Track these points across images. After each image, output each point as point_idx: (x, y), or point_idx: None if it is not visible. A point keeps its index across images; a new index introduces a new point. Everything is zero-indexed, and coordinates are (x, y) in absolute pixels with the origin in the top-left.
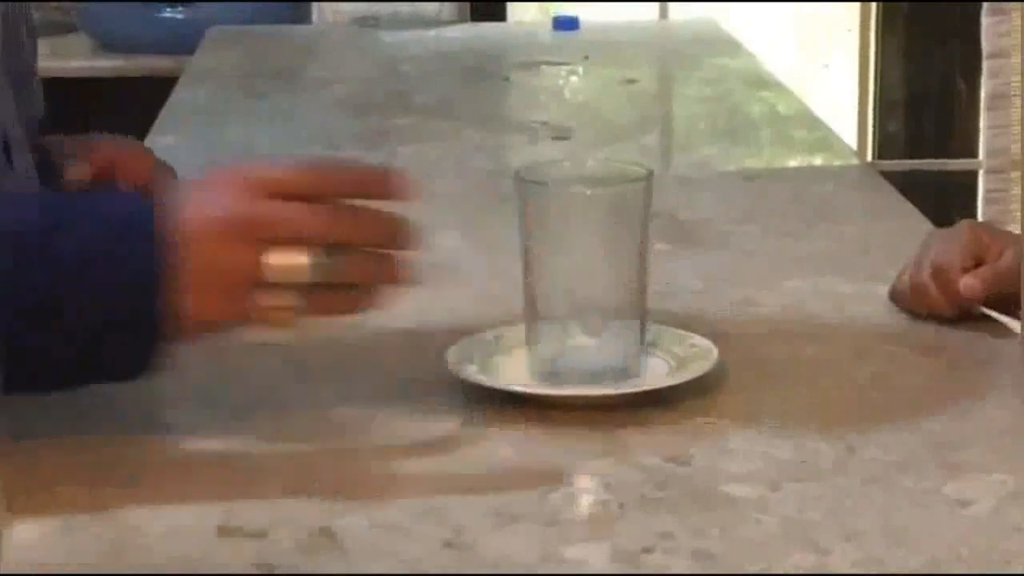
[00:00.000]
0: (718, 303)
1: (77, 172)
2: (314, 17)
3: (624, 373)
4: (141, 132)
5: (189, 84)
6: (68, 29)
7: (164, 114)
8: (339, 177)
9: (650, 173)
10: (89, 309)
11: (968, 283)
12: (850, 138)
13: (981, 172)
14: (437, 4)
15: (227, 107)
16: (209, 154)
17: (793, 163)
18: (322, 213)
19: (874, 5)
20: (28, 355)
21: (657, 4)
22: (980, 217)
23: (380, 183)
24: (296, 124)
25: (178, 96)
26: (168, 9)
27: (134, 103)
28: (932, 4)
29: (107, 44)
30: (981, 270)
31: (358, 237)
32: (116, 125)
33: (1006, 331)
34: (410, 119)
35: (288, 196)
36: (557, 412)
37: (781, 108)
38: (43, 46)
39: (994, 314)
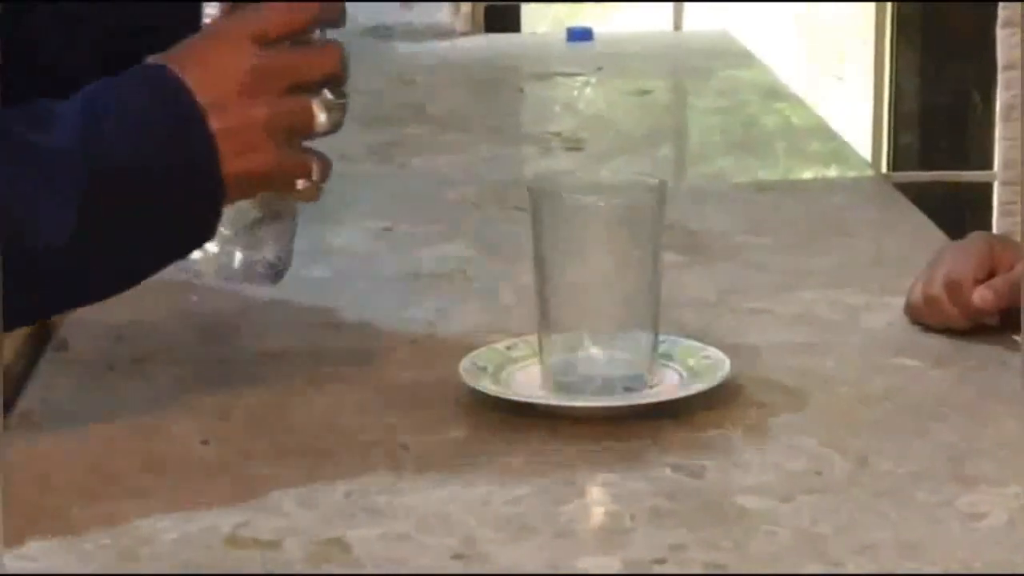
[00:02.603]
0: (731, 315)
1: None
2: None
3: (636, 384)
4: None
5: None
6: None
7: None
8: (305, 14)
9: (663, 184)
10: (155, 199)
11: (982, 294)
12: (864, 150)
13: (996, 184)
14: (451, 15)
15: None
16: None
17: (807, 175)
18: (314, 55)
19: (888, 17)
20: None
21: (671, 16)
22: (995, 229)
23: (334, 11)
24: None
25: None
26: None
27: None
28: (947, 16)
29: None
30: (994, 281)
31: (341, 72)
32: None
33: (1018, 343)
34: (424, 130)
35: (274, 40)
36: (569, 423)
37: (795, 120)
38: None
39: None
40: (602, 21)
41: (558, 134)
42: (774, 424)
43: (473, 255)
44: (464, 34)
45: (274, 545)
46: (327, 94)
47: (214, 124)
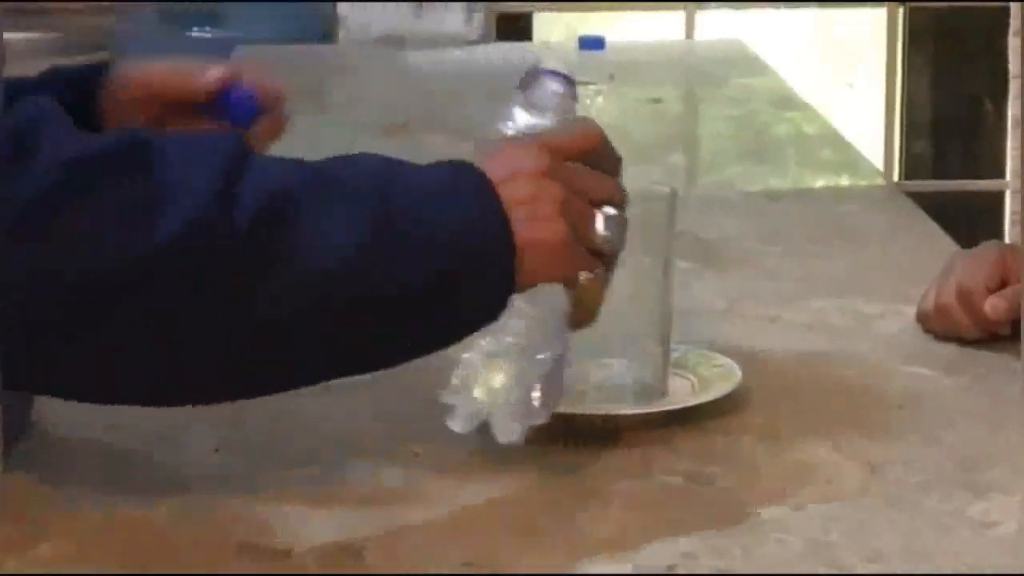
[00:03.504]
0: (742, 323)
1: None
2: (340, 36)
3: (648, 392)
4: None
5: None
6: (96, 48)
7: None
8: (594, 140)
9: (674, 192)
10: (441, 255)
11: (994, 303)
12: (876, 158)
13: (1007, 193)
14: (463, 24)
15: None
16: None
17: (819, 183)
18: (600, 176)
19: (900, 25)
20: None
21: (683, 24)
22: (1006, 238)
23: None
24: (323, 144)
25: None
26: (196, 29)
27: None
28: (959, 24)
29: None
30: (1007, 290)
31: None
32: None
33: None
34: (436, 138)
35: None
36: (581, 431)
37: (807, 128)
38: None
39: None
40: (614, 30)
41: None
42: (785, 432)
43: None
44: (476, 42)
45: (286, 553)
46: (609, 209)
47: (505, 193)
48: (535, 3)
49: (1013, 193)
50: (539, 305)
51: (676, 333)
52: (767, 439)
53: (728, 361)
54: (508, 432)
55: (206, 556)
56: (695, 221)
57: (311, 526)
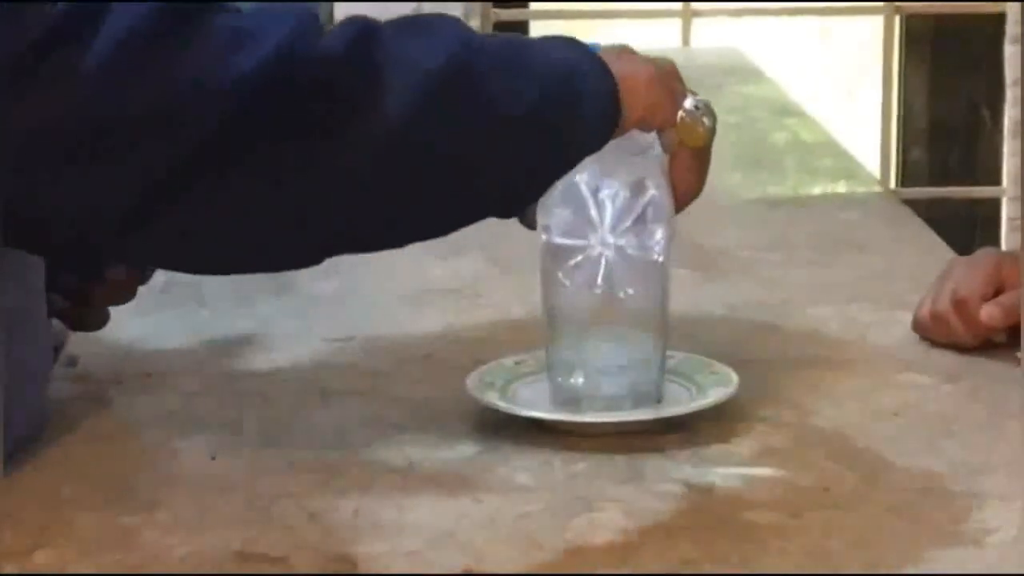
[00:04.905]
0: (740, 330)
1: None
2: None
3: (644, 400)
4: None
5: None
6: None
7: None
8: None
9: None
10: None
11: (989, 311)
12: (873, 166)
13: (1004, 200)
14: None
15: None
16: None
17: (817, 191)
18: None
19: (897, 33)
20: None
21: (679, 32)
22: (1003, 245)
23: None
24: None
25: None
26: None
27: None
28: (956, 31)
29: None
30: (1002, 297)
31: None
32: None
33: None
34: None
35: None
36: (577, 439)
37: (805, 136)
38: None
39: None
40: (611, 38)
41: None
42: (782, 440)
43: (482, 268)
44: None
45: (282, 561)
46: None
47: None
48: (533, 7)
49: (1010, 200)
50: (642, 153)
51: (673, 340)
52: (764, 446)
53: (725, 368)
54: (628, 278)
55: (202, 563)
56: (693, 228)
57: (308, 534)
